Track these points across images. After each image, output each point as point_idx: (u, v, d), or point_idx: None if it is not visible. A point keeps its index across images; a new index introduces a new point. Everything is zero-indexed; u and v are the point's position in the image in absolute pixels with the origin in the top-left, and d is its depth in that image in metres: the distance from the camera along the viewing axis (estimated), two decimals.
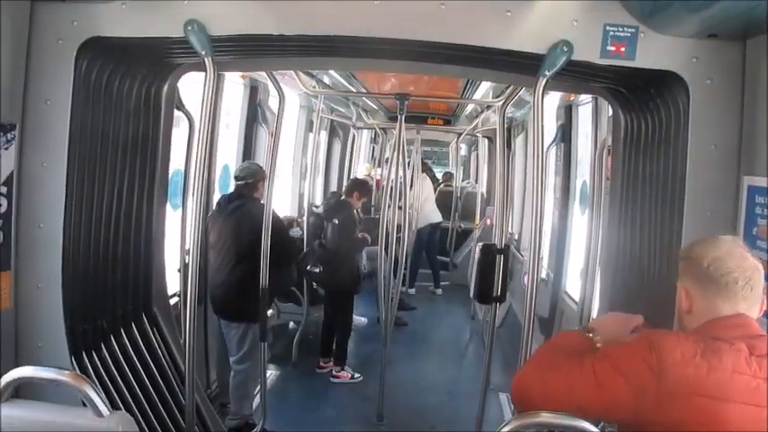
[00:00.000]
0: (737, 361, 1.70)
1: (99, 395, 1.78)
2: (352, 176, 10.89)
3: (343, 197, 6.74)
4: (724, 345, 1.72)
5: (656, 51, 2.58)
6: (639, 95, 3.01)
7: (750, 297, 1.82)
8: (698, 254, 1.87)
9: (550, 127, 6.48)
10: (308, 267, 6.36)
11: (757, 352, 1.72)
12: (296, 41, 2.83)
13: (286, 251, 4.19)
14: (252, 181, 4.90)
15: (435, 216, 10.10)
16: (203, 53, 2.69)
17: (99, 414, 1.77)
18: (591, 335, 2.01)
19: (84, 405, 1.82)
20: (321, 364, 6.42)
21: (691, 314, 1.88)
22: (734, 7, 2.21)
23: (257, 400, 4.94)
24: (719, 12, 2.28)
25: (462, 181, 13.40)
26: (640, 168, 3.09)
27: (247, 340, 4.78)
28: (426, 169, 10.81)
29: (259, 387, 4.87)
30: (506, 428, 1.78)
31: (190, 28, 2.64)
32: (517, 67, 2.92)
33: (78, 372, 2.76)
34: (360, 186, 6.76)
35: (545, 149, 6.37)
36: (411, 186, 8.41)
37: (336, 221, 6.32)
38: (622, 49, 2.58)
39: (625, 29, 2.57)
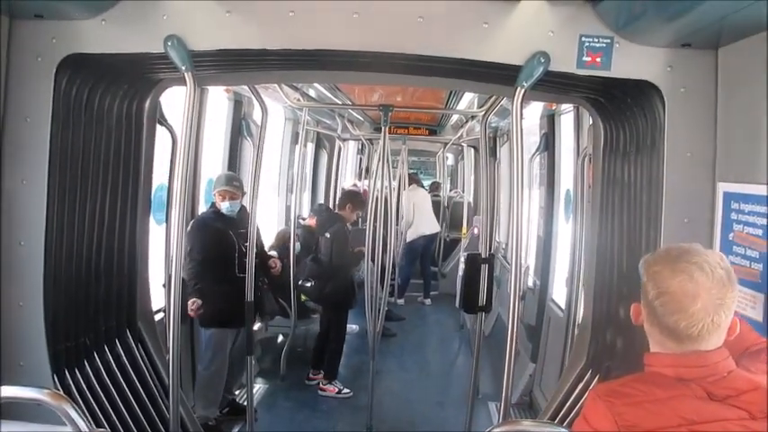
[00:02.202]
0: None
1: (78, 413, 1.77)
2: (339, 188, 10.90)
3: (336, 210, 6.68)
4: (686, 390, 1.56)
5: (631, 61, 2.62)
6: (617, 105, 3.05)
7: (709, 337, 1.59)
8: (649, 278, 1.64)
9: (534, 136, 6.54)
10: (300, 282, 6.34)
11: (717, 397, 1.56)
12: (276, 55, 2.85)
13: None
14: (214, 192, 5.00)
15: (434, 227, 10.14)
16: (183, 68, 2.70)
17: None
18: None
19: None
20: (311, 375, 6.38)
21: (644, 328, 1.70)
22: (706, 17, 2.25)
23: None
24: (692, 22, 2.32)
25: (450, 191, 13.44)
26: (619, 176, 3.13)
27: (204, 343, 4.98)
28: (416, 181, 10.83)
29: (245, 399, 4.85)
30: None
31: (169, 43, 2.65)
32: (496, 77, 2.95)
33: (61, 390, 2.75)
34: (352, 198, 6.67)
35: (529, 159, 6.48)
36: (398, 198, 8.44)
37: (328, 235, 6.27)
38: (598, 60, 2.61)
39: (600, 39, 2.61)
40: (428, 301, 10.10)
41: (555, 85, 2.95)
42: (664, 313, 1.60)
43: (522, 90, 2.68)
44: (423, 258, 10.14)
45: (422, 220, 9.95)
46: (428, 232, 10.04)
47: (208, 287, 4.79)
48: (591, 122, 3.58)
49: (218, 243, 4.86)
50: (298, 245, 6.70)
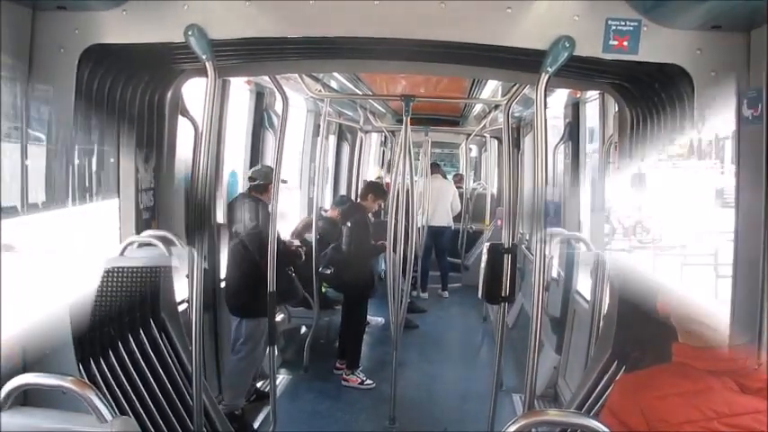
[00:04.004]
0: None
1: (101, 400, 1.77)
2: (362, 180, 10.90)
3: (358, 200, 6.78)
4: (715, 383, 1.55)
5: (659, 45, 2.55)
6: (644, 90, 2.98)
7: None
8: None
9: (559, 125, 6.45)
10: (320, 269, 6.42)
11: (750, 390, 1.55)
12: (297, 44, 2.83)
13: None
14: (262, 183, 5.02)
15: (444, 220, 10.06)
16: (204, 57, 2.69)
17: (102, 419, 1.77)
18: None
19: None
20: (338, 365, 6.42)
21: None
22: None
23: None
24: (722, 3, 2.25)
25: (473, 182, 13.35)
26: None
27: (242, 332, 4.98)
28: (440, 171, 10.76)
29: (269, 389, 4.88)
30: (513, 427, 1.75)
31: (190, 33, 2.64)
32: (519, 64, 2.90)
33: (86, 379, 2.78)
34: (374, 189, 6.85)
35: (553, 148, 6.38)
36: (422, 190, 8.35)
37: (349, 224, 6.42)
38: (625, 44, 2.55)
39: (627, 23, 2.54)
40: (445, 294, 10.03)
41: (580, 71, 2.89)
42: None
43: (547, 76, 2.62)
44: (437, 250, 10.07)
45: (433, 212, 9.87)
46: (434, 224, 9.94)
47: (245, 275, 4.87)
48: (616, 110, 3.51)
49: (257, 228, 4.88)
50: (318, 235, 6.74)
